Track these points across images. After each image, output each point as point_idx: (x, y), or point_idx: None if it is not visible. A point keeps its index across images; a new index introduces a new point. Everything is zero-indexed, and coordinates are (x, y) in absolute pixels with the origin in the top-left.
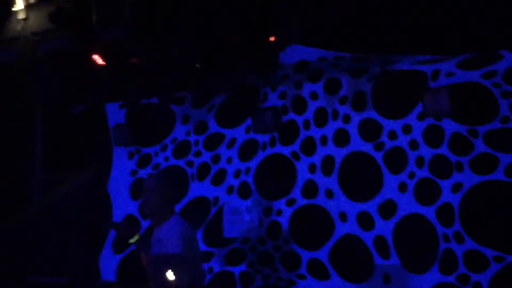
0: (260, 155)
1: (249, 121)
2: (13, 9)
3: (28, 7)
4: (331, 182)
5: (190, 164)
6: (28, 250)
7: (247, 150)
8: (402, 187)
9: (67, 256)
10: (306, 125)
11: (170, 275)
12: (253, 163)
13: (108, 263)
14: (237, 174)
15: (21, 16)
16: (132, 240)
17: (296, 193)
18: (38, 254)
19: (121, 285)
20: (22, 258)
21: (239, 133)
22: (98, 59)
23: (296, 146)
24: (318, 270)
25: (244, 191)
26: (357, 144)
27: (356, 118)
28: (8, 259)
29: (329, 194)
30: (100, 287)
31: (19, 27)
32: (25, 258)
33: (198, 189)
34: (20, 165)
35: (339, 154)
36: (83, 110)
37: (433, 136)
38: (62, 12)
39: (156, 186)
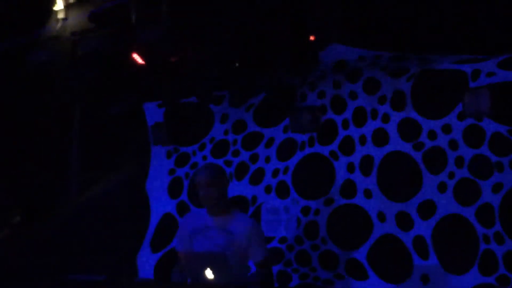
0: (299, 155)
1: (287, 121)
2: (54, 8)
3: (68, 7)
4: (370, 182)
5: (228, 163)
6: (65, 249)
7: (286, 150)
8: (442, 187)
9: (104, 255)
10: (345, 124)
11: (209, 274)
12: (291, 163)
13: (146, 262)
14: (275, 173)
15: (61, 15)
16: None
17: (334, 192)
18: (76, 253)
19: (158, 283)
20: (60, 256)
21: (278, 133)
22: (137, 58)
23: (334, 146)
24: (356, 270)
25: (282, 191)
26: (396, 144)
27: (396, 117)
28: (46, 258)
29: (368, 194)
30: (137, 285)
31: (58, 26)
32: (62, 256)
33: (236, 188)
34: (58, 164)
35: (378, 154)
36: (122, 109)
37: (473, 136)
38: (102, 11)
39: (213, 178)
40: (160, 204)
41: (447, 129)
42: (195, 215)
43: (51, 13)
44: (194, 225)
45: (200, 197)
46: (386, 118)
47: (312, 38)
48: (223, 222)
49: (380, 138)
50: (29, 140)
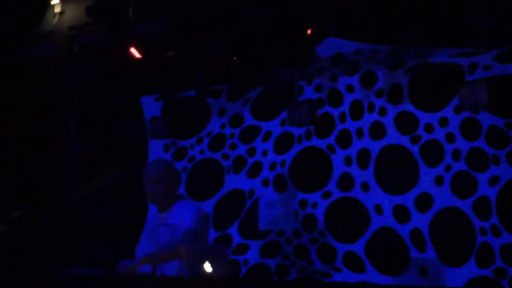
0: (296, 148)
1: (284, 114)
2: (51, 2)
3: (64, 1)
4: (367, 175)
5: (225, 157)
6: (63, 243)
7: (283, 143)
8: (439, 180)
9: (103, 249)
10: (342, 118)
11: (207, 267)
12: (288, 156)
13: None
14: (272, 167)
15: (58, 10)
16: None
17: (331, 186)
18: (74, 248)
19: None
20: (58, 251)
21: (275, 126)
22: (134, 52)
23: (331, 139)
24: (354, 263)
25: (279, 184)
26: (393, 137)
27: (392, 111)
28: (44, 252)
29: (365, 187)
30: (136, 278)
31: (55, 21)
32: (61, 251)
33: (233, 181)
34: (56, 159)
35: (375, 147)
36: (119, 103)
37: (470, 129)
38: (99, 5)
39: (161, 177)
40: None
41: (444, 122)
42: (154, 215)
43: (47, 7)
44: (150, 227)
45: (147, 194)
46: (383, 112)
47: (309, 31)
48: (167, 217)
49: (377, 131)
50: (27, 135)
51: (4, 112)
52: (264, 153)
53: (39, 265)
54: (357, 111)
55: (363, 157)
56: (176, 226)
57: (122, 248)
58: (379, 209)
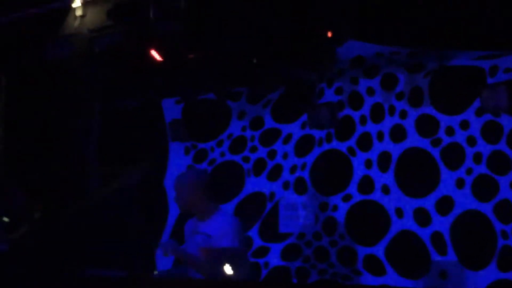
0: (316, 151)
1: (305, 117)
2: (72, 6)
3: (85, 4)
4: (388, 178)
5: (246, 159)
6: (84, 245)
7: (303, 146)
8: (460, 183)
9: (123, 250)
10: (363, 120)
11: (228, 269)
12: (309, 159)
13: (165, 257)
14: (293, 169)
15: (79, 13)
16: None
17: (352, 188)
18: (94, 249)
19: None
20: (79, 252)
21: (295, 129)
22: (155, 54)
23: (352, 142)
24: (374, 266)
25: (300, 187)
26: (414, 140)
27: (413, 114)
28: (64, 253)
29: (386, 190)
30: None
31: (76, 24)
32: (81, 252)
33: (254, 184)
34: (76, 159)
35: (395, 150)
36: (140, 105)
37: (491, 132)
38: (120, 7)
39: (186, 186)
40: None
41: (465, 125)
42: (190, 221)
43: (69, 10)
44: (187, 231)
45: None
46: (403, 114)
47: (329, 34)
48: (204, 226)
49: (398, 134)
50: (47, 136)
51: (25, 113)
52: (285, 155)
53: (59, 266)
54: (377, 114)
55: (384, 160)
56: (214, 237)
57: (142, 249)
58: (399, 212)
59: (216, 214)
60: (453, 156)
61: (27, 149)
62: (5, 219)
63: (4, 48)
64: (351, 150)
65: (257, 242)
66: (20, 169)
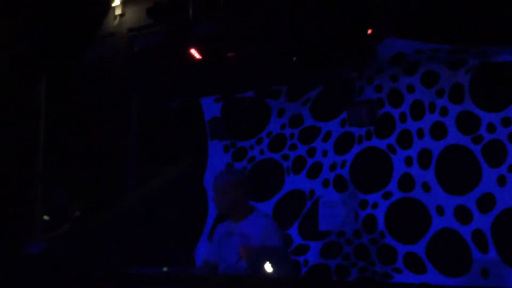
0: (356, 148)
1: (344, 115)
2: (112, 5)
3: (125, 2)
4: (428, 175)
5: (285, 157)
6: (124, 243)
7: (343, 144)
8: (501, 180)
9: (163, 249)
10: (403, 118)
11: (268, 268)
12: (348, 156)
13: (204, 255)
14: (332, 167)
15: (118, 12)
16: None
17: (392, 186)
18: (135, 247)
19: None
20: (119, 251)
21: (335, 127)
22: (194, 53)
23: (392, 139)
24: (414, 264)
25: (340, 184)
26: (455, 137)
27: (454, 111)
28: (105, 252)
29: (426, 187)
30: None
31: (115, 23)
32: (121, 251)
33: (293, 182)
34: (116, 159)
35: (436, 147)
36: (179, 104)
37: None
38: (159, 6)
39: (229, 187)
40: None
41: (506, 122)
42: (224, 223)
43: (109, 9)
44: (220, 234)
45: (214, 202)
46: (444, 111)
47: (369, 31)
48: (240, 227)
49: (438, 131)
50: (88, 136)
51: (65, 113)
52: (324, 153)
53: (100, 264)
54: (418, 111)
55: (424, 157)
56: (250, 235)
57: (181, 248)
58: (440, 210)
59: (252, 214)
60: (495, 153)
61: (67, 148)
62: (46, 217)
63: (44, 47)
64: (391, 148)
65: (297, 240)
66: (61, 168)
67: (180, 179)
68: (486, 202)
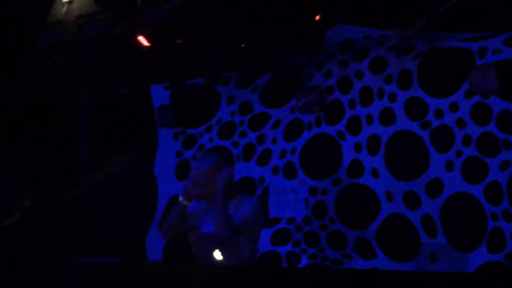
0: (306, 135)
1: (294, 101)
2: None
3: None
4: (377, 161)
5: (235, 144)
6: (74, 232)
7: (293, 130)
8: (449, 166)
9: (113, 237)
10: (352, 104)
11: (217, 255)
12: (298, 143)
13: (155, 243)
14: (282, 154)
15: None
16: None
17: (342, 172)
18: (84, 235)
19: (167, 263)
20: (69, 239)
21: (284, 114)
22: (143, 40)
23: (341, 126)
24: (364, 250)
25: (289, 171)
26: (403, 123)
27: (402, 97)
28: (55, 241)
29: (375, 173)
30: (147, 266)
31: (63, 10)
32: (72, 239)
33: (243, 169)
34: (67, 147)
35: (385, 133)
36: (128, 92)
37: (480, 114)
38: None
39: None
40: (168, 187)
41: (454, 107)
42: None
43: None
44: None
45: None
46: (392, 97)
47: (318, 17)
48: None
49: (387, 117)
50: (37, 124)
51: (14, 101)
52: (274, 140)
53: (50, 253)
54: (366, 97)
55: (373, 143)
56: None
57: (132, 236)
58: (389, 196)
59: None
60: (442, 138)
61: (17, 137)
62: None
63: None
64: (340, 134)
65: None
66: (10, 157)
67: (131, 167)
68: (434, 187)
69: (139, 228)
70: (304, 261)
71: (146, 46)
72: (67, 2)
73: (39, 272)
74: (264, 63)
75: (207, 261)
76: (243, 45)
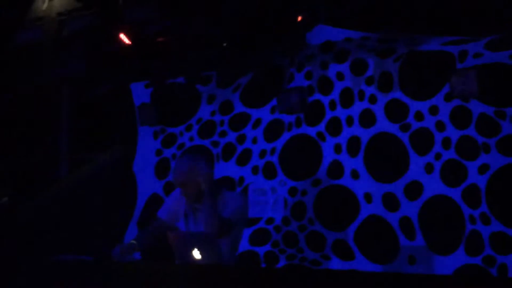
0: (286, 136)
1: (274, 102)
2: None
3: None
4: (357, 163)
5: (215, 144)
6: (52, 229)
7: (273, 131)
8: (428, 168)
9: (92, 235)
10: (332, 105)
11: (196, 254)
12: (278, 144)
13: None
14: (262, 154)
15: None
16: None
17: (321, 173)
18: (63, 233)
19: (146, 262)
20: (48, 237)
21: (265, 114)
22: (124, 38)
23: (321, 127)
24: (343, 251)
25: (269, 172)
26: (383, 125)
27: (383, 99)
28: (33, 238)
29: (355, 175)
30: (125, 265)
31: (44, 7)
32: (49, 237)
33: (223, 169)
34: (46, 145)
35: (365, 135)
36: (109, 90)
37: (460, 117)
38: None
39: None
40: (147, 185)
41: (434, 110)
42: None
43: None
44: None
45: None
46: (373, 99)
47: (299, 18)
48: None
49: (367, 119)
50: (17, 122)
51: None
52: (254, 140)
53: (28, 251)
54: (347, 98)
55: (353, 145)
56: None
57: (111, 234)
58: (368, 197)
59: (221, 193)
60: (422, 141)
61: None
62: None
63: None
64: (320, 135)
65: None
66: None
67: (110, 166)
68: (413, 190)
69: (118, 226)
70: (282, 261)
71: (128, 44)
72: None
73: (17, 270)
74: (245, 63)
75: (186, 260)
76: (224, 45)
